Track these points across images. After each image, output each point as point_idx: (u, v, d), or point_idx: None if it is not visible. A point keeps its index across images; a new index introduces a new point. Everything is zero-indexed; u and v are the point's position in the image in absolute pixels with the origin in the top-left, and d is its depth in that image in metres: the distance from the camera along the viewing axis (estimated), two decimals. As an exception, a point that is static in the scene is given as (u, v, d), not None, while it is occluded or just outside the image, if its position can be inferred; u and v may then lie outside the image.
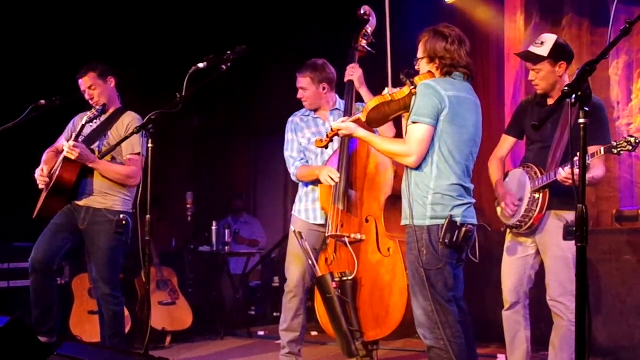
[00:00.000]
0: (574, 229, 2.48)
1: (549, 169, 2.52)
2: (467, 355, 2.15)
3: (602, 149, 2.34)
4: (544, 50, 2.52)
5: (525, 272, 2.64)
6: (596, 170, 2.52)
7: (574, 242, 2.50)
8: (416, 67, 2.30)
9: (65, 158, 2.90)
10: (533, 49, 2.56)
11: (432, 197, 2.13)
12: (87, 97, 3.06)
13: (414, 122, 2.14)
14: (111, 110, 3.09)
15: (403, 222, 2.24)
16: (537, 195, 2.53)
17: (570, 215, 2.54)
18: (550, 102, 2.65)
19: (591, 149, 2.47)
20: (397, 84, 2.33)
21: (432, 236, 2.12)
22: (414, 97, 2.17)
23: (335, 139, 3.00)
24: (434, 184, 2.14)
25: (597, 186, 2.55)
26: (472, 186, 2.25)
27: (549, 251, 2.57)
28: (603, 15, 4.03)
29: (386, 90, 2.31)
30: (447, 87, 2.16)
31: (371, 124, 2.32)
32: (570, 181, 2.33)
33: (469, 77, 2.26)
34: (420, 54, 2.28)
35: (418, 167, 2.16)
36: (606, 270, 3.45)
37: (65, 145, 2.89)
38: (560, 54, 2.53)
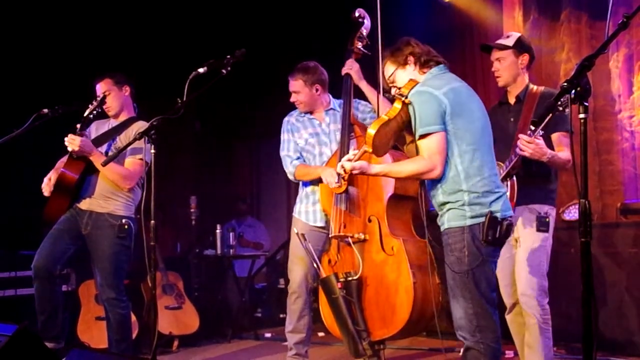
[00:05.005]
0: (547, 219, 2.53)
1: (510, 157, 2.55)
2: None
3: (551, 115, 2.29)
4: (509, 42, 2.67)
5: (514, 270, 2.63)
6: (562, 153, 2.52)
7: (546, 234, 2.55)
8: (392, 92, 2.23)
9: (70, 155, 2.93)
10: (500, 41, 2.71)
11: (468, 198, 2.06)
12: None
13: (423, 135, 2.06)
14: (124, 118, 3.14)
15: (442, 229, 2.15)
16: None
17: (542, 208, 2.58)
18: (510, 98, 2.71)
19: (555, 136, 2.56)
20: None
21: (474, 235, 2.05)
22: (410, 107, 2.10)
23: (333, 131, 3.01)
24: (465, 184, 2.06)
25: (563, 169, 2.62)
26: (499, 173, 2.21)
27: (523, 243, 2.57)
28: (602, 9, 4.02)
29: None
30: (437, 85, 2.11)
31: (378, 152, 2.21)
32: (529, 149, 2.39)
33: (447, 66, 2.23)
34: (390, 71, 2.24)
35: (443, 177, 2.08)
36: (612, 264, 3.45)
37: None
38: (524, 46, 2.68)
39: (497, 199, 2.09)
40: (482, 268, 2.06)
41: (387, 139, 2.18)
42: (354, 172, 2.19)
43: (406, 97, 2.11)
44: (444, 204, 2.11)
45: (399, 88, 2.19)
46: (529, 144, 2.40)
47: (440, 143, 2.07)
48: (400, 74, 2.23)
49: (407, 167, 2.14)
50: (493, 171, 2.13)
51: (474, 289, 2.05)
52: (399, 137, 2.24)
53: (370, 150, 2.15)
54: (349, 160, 2.19)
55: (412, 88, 2.14)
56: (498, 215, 2.06)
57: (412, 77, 2.19)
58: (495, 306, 2.10)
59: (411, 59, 2.20)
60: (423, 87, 2.12)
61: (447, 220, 2.11)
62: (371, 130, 2.14)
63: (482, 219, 2.05)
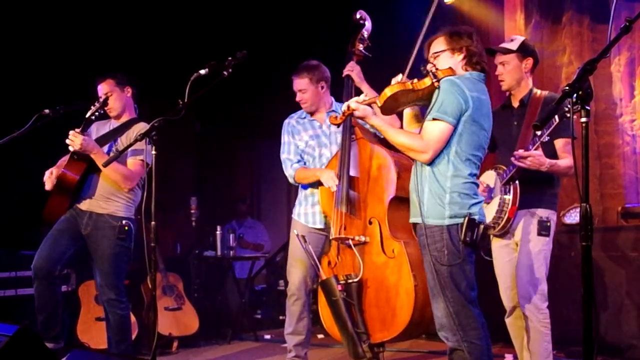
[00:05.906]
0: (548, 224, 2.54)
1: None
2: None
3: (556, 116, 2.31)
4: (513, 45, 2.66)
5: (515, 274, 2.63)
6: (563, 160, 2.54)
7: (547, 238, 2.56)
8: (428, 67, 2.19)
9: (71, 156, 2.93)
10: (503, 45, 2.71)
11: (449, 196, 2.09)
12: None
13: (435, 119, 2.08)
14: (125, 119, 3.14)
15: (413, 220, 2.19)
16: (507, 197, 2.56)
17: (543, 212, 2.58)
18: (514, 102, 2.71)
19: (558, 142, 2.56)
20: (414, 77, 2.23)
21: (452, 235, 2.07)
22: (436, 91, 2.11)
23: (334, 133, 3.01)
24: (450, 182, 2.10)
25: (565, 175, 2.66)
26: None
27: (523, 247, 2.58)
28: (604, 12, 4.03)
29: (399, 77, 2.26)
30: (470, 87, 2.11)
31: (385, 111, 2.23)
32: (525, 163, 2.43)
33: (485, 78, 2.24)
34: (438, 49, 2.21)
35: (432, 164, 2.11)
36: (612, 267, 3.44)
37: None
38: (527, 50, 2.67)
39: (476, 203, 2.13)
40: (461, 267, 2.08)
41: (398, 104, 2.21)
42: (356, 113, 2.20)
43: (438, 81, 2.11)
44: (423, 191, 2.12)
45: (437, 69, 2.17)
46: (525, 159, 2.43)
47: (444, 134, 2.09)
48: (445, 57, 2.20)
49: (402, 138, 2.17)
50: (476, 182, 2.18)
51: (453, 288, 2.07)
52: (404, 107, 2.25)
53: (380, 104, 2.17)
54: (357, 102, 2.20)
55: (447, 76, 2.13)
56: (476, 218, 2.10)
57: (454, 67, 2.18)
58: (476, 305, 2.12)
59: (465, 51, 2.19)
60: (458, 79, 2.12)
61: (426, 217, 2.12)
62: (388, 91, 2.15)
63: (460, 220, 2.08)
